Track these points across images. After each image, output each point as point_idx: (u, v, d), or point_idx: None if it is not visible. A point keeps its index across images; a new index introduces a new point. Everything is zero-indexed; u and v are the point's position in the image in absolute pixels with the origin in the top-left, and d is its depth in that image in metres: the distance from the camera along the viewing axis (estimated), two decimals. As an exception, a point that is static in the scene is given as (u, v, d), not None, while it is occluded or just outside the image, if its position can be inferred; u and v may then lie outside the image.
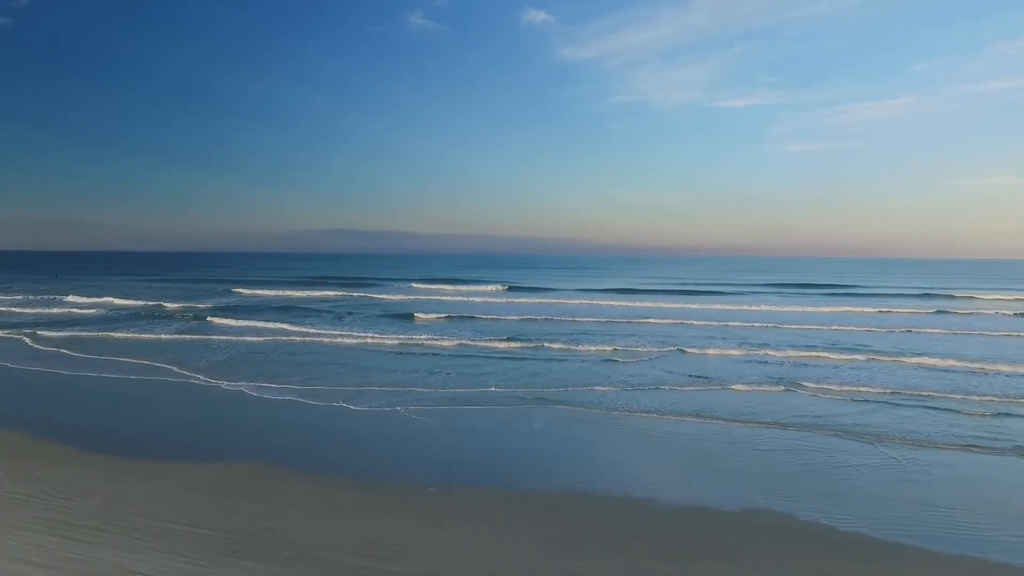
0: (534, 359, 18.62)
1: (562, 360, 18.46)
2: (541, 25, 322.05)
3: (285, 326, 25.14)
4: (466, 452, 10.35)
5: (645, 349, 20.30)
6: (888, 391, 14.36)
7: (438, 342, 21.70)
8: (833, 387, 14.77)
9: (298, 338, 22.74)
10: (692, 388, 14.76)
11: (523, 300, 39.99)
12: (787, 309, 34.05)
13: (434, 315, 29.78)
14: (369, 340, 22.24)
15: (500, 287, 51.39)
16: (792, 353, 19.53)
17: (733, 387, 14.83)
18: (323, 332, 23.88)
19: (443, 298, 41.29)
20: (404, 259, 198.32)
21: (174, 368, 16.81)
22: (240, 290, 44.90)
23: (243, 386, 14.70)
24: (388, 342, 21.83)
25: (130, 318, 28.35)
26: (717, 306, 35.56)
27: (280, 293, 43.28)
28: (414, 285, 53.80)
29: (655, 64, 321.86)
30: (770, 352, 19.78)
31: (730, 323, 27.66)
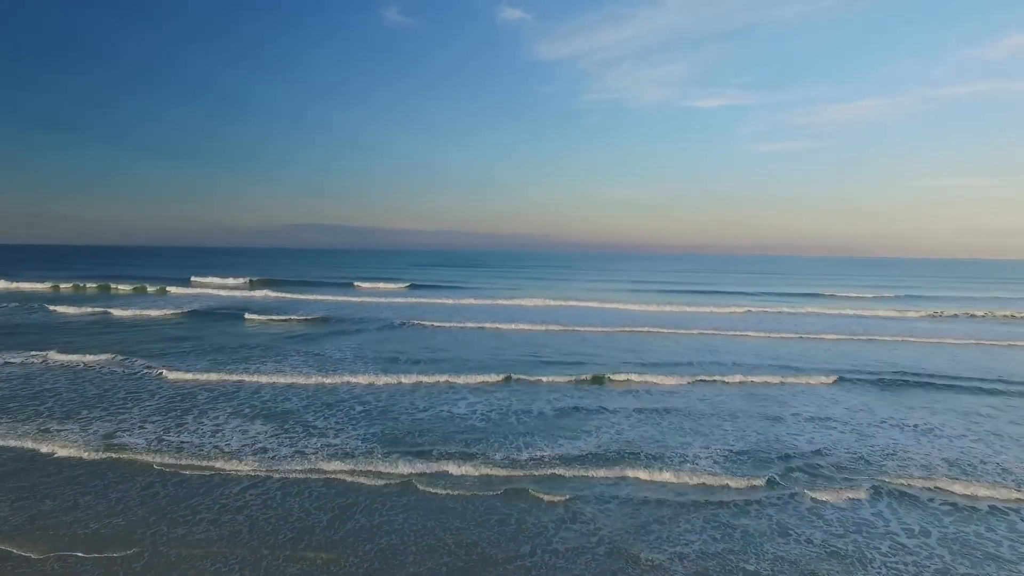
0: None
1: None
2: (517, 22, 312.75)
3: None
4: None
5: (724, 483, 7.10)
6: None
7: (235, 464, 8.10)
8: None
9: None
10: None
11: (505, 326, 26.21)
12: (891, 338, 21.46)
13: (313, 377, 16.15)
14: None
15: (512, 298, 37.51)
16: None
17: None
18: None
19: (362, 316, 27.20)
20: (371, 255, 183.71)
21: None
22: (54, 307, 30.32)
23: None
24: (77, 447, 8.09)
25: None
26: (783, 335, 22.69)
27: (96, 310, 28.86)
28: (334, 298, 39.59)
29: (630, 62, 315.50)
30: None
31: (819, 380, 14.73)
